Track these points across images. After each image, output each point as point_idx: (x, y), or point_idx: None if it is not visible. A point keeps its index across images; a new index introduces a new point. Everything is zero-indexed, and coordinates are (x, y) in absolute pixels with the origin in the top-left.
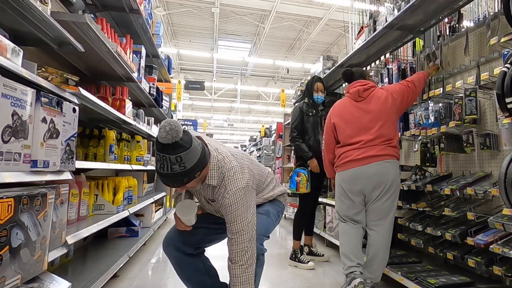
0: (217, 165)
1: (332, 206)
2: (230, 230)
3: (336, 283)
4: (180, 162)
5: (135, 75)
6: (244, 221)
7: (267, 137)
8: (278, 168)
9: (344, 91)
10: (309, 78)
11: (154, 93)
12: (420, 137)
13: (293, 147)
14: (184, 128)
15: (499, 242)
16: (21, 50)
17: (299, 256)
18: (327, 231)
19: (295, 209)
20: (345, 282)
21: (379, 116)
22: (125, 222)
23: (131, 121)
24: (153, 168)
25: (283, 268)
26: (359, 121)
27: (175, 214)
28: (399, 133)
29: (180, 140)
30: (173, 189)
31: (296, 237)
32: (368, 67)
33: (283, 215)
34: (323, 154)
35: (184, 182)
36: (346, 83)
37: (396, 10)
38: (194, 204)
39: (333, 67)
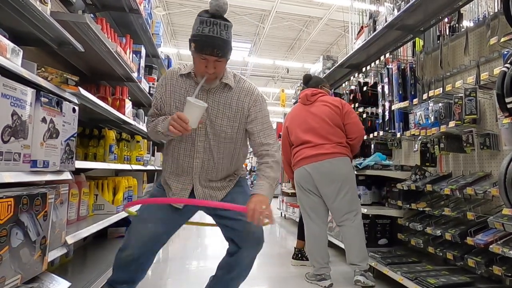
0: (231, 72)
1: None
2: (262, 134)
3: (336, 282)
4: (227, 31)
5: (135, 75)
6: (270, 124)
7: None
8: None
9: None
10: None
11: None
12: (420, 137)
13: None
14: None
15: (499, 242)
16: (21, 50)
17: (305, 254)
18: (327, 231)
19: (295, 209)
20: (315, 278)
21: (323, 118)
22: (125, 222)
23: (131, 121)
24: (152, 168)
25: (283, 267)
26: (307, 123)
27: (181, 114)
28: (399, 133)
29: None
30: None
31: (301, 236)
32: (368, 67)
33: (283, 216)
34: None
35: (224, 52)
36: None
37: (396, 10)
38: (205, 104)
39: (333, 67)
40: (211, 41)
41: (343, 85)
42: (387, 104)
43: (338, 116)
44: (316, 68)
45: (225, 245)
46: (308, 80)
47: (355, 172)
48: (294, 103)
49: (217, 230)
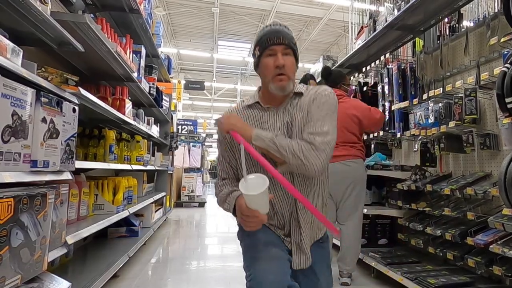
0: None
1: None
2: (312, 129)
3: (337, 280)
4: (288, 30)
5: (135, 75)
6: (332, 123)
7: None
8: None
9: None
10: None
11: (154, 93)
12: (420, 137)
13: None
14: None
15: (499, 242)
16: (21, 50)
17: None
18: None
19: None
20: None
21: (340, 124)
22: (125, 222)
23: (131, 121)
24: (152, 168)
25: None
26: None
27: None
28: (399, 133)
29: None
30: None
31: None
32: (368, 67)
33: None
34: None
35: (289, 41)
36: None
37: (396, 10)
38: (264, 177)
39: (333, 67)
40: (275, 31)
41: None
42: (387, 104)
43: (356, 126)
44: (316, 68)
45: (225, 245)
46: (328, 75)
47: None
48: None
49: (217, 231)
